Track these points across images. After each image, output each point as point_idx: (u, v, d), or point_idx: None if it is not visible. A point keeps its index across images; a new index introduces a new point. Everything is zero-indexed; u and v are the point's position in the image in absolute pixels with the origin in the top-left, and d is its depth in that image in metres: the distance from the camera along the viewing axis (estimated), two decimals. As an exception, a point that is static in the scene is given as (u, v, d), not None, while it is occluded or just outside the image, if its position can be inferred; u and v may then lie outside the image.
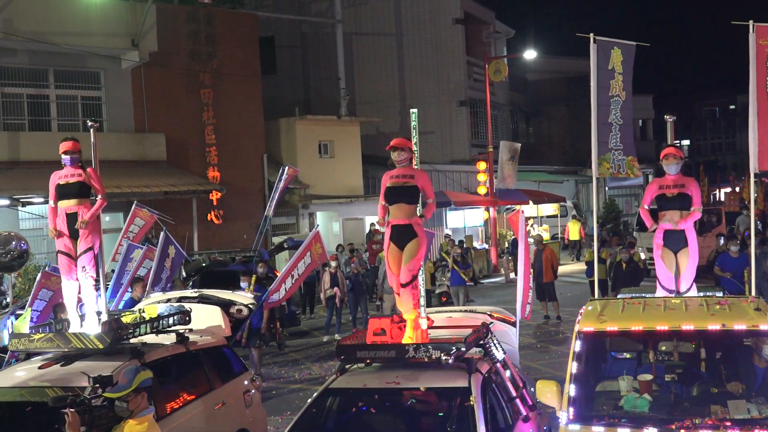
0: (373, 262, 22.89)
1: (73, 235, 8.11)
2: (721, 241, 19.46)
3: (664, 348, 7.29)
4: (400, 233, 7.35)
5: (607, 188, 43.19)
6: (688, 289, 7.93)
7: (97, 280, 8.25)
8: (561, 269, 28.52)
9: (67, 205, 8.11)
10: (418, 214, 7.47)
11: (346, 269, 19.72)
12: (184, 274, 17.36)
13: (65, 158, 8.13)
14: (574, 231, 32.59)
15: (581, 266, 25.45)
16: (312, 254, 12.44)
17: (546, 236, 32.35)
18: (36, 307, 11.50)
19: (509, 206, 29.91)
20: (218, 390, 8.46)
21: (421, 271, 7.46)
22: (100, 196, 8.20)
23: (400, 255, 7.36)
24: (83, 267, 8.06)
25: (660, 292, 8.02)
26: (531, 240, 21.27)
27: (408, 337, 7.17)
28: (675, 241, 7.97)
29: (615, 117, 9.10)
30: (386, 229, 7.47)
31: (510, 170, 28.98)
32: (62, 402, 5.67)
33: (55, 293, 11.19)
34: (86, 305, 8.21)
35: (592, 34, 8.88)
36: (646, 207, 8.42)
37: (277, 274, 15.30)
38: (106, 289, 9.10)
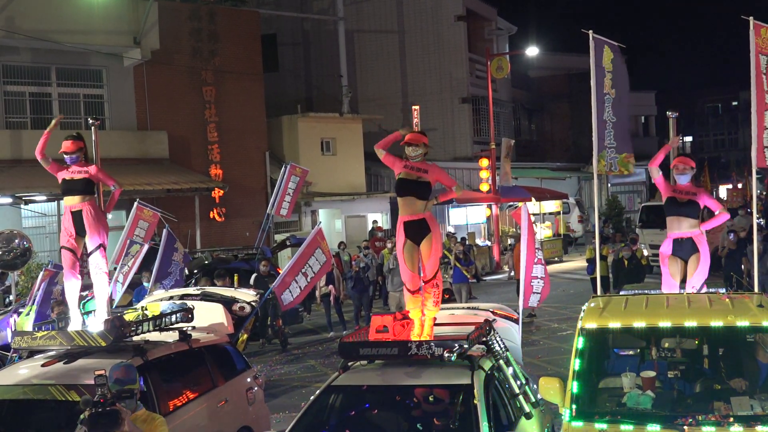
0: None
1: (79, 233, 8.10)
2: (731, 236, 19.35)
3: (667, 344, 7.27)
4: (413, 229, 7.34)
5: (609, 185, 43.10)
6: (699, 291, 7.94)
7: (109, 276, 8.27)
8: (562, 266, 28.66)
9: (72, 202, 8.09)
10: (434, 198, 7.43)
11: (348, 270, 19.66)
12: (187, 271, 17.37)
13: (66, 158, 8.10)
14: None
15: (582, 263, 25.42)
16: (323, 251, 12.26)
17: (549, 233, 32.39)
18: (38, 304, 11.44)
19: (512, 203, 29.87)
20: (221, 387, 8.47)
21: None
22: (113, 186, 8.17)
23: (416, 250, 7.36)
24: (97, 264, 8.06)
25: None
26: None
27: (426, 335, 7.17)
28: (686, 249, 8.00)
29: (608, 115, 9.11)
30: (398, 226, 7.45)
31: (506, 167, 28.96)
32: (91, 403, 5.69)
33: (58, 288, 11.10)
34: (99, 301, 8.20)
35: (591, 31, 8.87)
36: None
37: (279, 271, 15.28)
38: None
